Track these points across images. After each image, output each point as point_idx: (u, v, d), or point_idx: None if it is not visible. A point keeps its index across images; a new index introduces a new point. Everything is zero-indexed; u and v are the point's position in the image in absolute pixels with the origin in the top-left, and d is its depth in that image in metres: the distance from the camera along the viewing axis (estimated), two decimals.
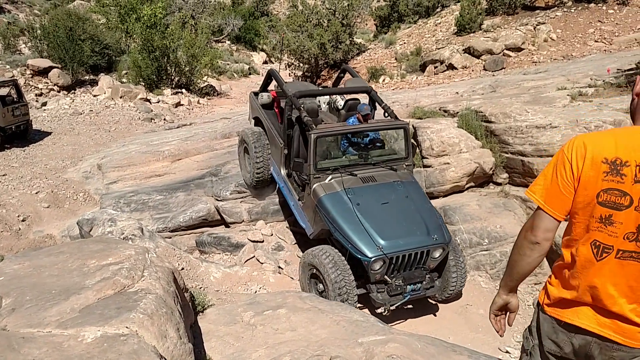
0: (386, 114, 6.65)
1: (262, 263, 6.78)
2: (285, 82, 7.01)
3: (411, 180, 6.30)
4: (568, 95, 8.55)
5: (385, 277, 5.48)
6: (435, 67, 16.38)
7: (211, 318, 4.25)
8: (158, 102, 16.98)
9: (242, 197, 7.79)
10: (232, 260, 7.06)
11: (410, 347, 3.45)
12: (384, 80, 16.82)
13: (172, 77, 19.27)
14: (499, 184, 8.09)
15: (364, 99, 7.42)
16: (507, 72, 14.06)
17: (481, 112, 8.46)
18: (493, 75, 13.71)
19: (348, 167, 6.14)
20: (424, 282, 5.70)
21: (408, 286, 5.57)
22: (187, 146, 10.09)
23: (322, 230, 5.96)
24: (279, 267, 6.82)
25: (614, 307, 1.89)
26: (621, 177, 1.77)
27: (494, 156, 7.98)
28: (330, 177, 6.02)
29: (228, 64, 26.76)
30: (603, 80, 9.30)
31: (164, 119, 15.11)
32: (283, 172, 6.80)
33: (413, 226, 5.63)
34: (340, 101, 7.62)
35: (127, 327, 2.73)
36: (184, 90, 19.07)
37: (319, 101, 7.83)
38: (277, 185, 7.29)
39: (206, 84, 20.78)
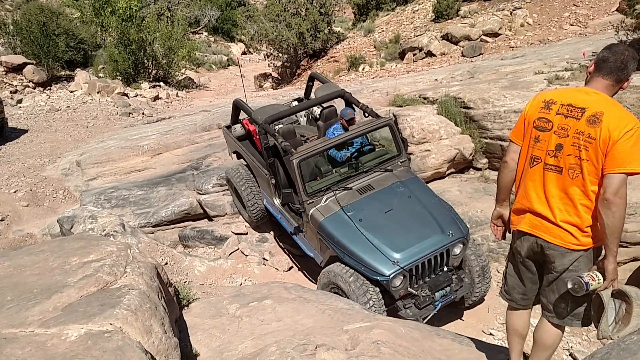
0: (366, 114, 6.23)
1: (246, 255, 6.78)
2: (253, 110, 6.60)
3: (411, 177, 5.91)
4: (545, 79, 8.65)
5: (410, 290, 5.10)
6: (414, 55, 16.41)
7: (196, 312, 4.25)
8: (136, 96, 16.76)
9: (224, 190, 7.75)
10: (216, 253, 7.05)
11: (394, 332, 3.50)
12: (363, 68, 16.81)
13: (150, 71, 19.03)
14: (479, 169, 8.19)
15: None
16: (485, 57, 14.15)
17: (460, 98, 8.53)
18: (471, 61, 13.79)
19: (341, 181, 5.75)
20: (452, 285, 5.33)
21: (436, 293, 5.18)
22: (167, 140, 10.00)
23: (331, 257, 5.50)
24: (264, 258, 6.83)
25: (539, 208, 2.48)
26: (549, 111, 2.47)
27: (473, 142, 8.06)
28: (324, 197, 5.62)
29: (206, 56, 26.49)
30: (579, 64, 9.42)
31: (143, 113, 14.93)
32: (276, 202, 6.39)
33: (425, 228, 5.21)
34: (317, 111, 7.20)
35: (111, 324, 2.73)
36: (162, 84, 18.85)
37: (296, 115, 7.50)
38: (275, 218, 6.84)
39: (184, 76, 20.56)
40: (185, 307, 4.34)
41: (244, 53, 30.84)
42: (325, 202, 5.60)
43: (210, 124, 10.50)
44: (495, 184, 7.55)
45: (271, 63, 20.77)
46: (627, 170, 2.23)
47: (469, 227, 5.57)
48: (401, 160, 6.02)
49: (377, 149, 6.47)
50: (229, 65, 26.68)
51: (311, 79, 7.73)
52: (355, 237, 5.18)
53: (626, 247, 5.94)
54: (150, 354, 2.80)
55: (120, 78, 18.26)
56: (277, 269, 6.62)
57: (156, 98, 17.03)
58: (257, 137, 6.49)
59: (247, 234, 7.23)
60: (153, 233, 7.38)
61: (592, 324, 2.47)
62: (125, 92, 16.76)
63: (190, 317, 4.14)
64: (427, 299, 5.13)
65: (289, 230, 6.36)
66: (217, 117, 10.98)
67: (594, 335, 5.44)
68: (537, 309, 2.80)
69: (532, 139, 2.52)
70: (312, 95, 7.50)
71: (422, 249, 5.04)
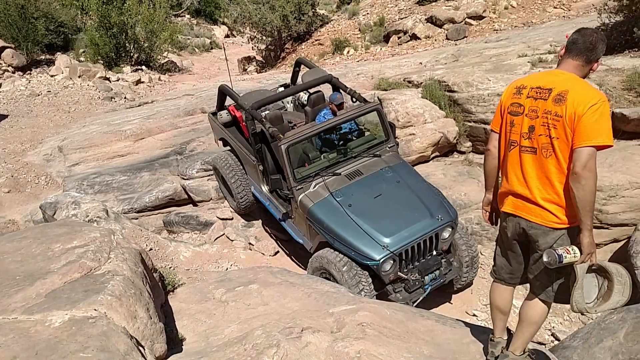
0: (354, 100, 6.20)
1: (232, 240, 6.77)
2: (240, 96, 6.52)
3: (399, 162, 5.92)
4: (528, 62, 8.68)
5: (400, 274, 5.14)
6: (398, 38, 16.34)
7: (182, 297, 4.26)
8: (118, 80, 16.51)
9: (208, 175, 7.71)
10: (201, 238, 7.03)
11: (379, 314, 3.54)
12: (348, 52, 16.71)
13: (132, 54, 18.73)
14: (463, 153, 8.23)
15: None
16: (469, 40, 14.14)
17: (444, 81, 8.53)
18: (455, 45, 13.78)
19: (330, 167, 5.74)
20: (442, 268, 5.38)
21: (426, 277, 5.23)
22: (150, 125, 9.90)
23: (321, 243, 5.52)
24: (250, 243, 6.83)
25: (520, 189, 2.57)
26: (520, 95, 2.57)
27: (457, 125, 8.09)
28: (313, 183, 5.61)
29: (189, 39, 26.09)
30: (562, 46, 9.46)
31: (125, 98, 14.73)
32: (265, 189, 6.37)
33: (414, 212, 5.25)
34: (304, 97, 7.18)
35: (95, 310, 2.72)
36: (144, 67, 18.58)
37: (283, 102, 7.42)
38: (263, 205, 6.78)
39: (167, 60, 20.27)
40: (171, 293, 4.34)
41: (227, 36, 30.44)
42: (314, 188, 5.60)
43: (194, 108, 10.41)
44: (478, 167, 7.65)
45: (255, 46, 20.53)
46: (594, 143, 2.31)
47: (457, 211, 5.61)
48: (389, 146, 6.02)
49: (366, 134, 6.45)
50: (212, 48, 26.34)
51: (298, 64, 7.63)
52: (345, 223, 5.19)
53: (607, 228, 6.04)
54: (136, 339, 2.80)
55: (102, 62, 17.97)
56: (263, 254, 6.63)
57: (138, 82, 16.80)
58: (244, 123, 6.43)
59: (232, 219, 7.22)
60: (137, 219, 7.33)
61: (572, 300, 2.51)
62: (107, 76, 16.50)
63: (176, 302, 4.15)
64: (417, 283, 5.17)
65: (277, 217, 6.32)
66: (201, 101, 10.88)
67: (576, 315, 5.56)
68: (521, 289, 2.86)
69: (508, 124, 2.62)
70: (299, 81, 7.42)
71: (411, 233, 5.07)
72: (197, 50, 25.24)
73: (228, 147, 7.21)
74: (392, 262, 5.00)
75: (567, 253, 2.39)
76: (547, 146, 2.44)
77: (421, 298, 5.22)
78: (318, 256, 5.35)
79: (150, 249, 5.81)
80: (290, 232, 6.15)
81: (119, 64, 18.12)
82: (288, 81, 8.08)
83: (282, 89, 7.57)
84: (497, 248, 2.90)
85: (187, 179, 7.76)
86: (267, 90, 7.24)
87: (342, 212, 5.28)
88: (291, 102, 7.61)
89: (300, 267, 6.46)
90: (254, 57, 20.62)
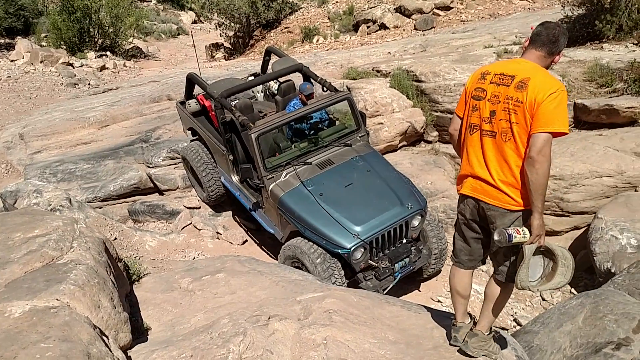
0: (324, 89, 6.22)
1: (199, 229, 6.71)
2: (209, 84, 6.40)
3: (370, 152, 5.96)
4: (494, 53, 8.82)
5: (371, 262, 5.19)
6: (367, 27, 16.36)
7: (147, 286, 4.21)
8: (81, 66, 16.09)
9: (175, 164, 7.61)
10: (167, 228, 6.94)
11: (346, 301, 3.57)
12: (317, 40, 16.66)
13: (96, 40, 18.28)
14: (430, 142, 8.34)
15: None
16: (436, 31, 14.27)
17: (412, 71, 8.60)
18: (423, 35, 13.88)
19: (301, 156, 5.72)
20: (411, 256, 5.45)
21: (396, 265, 5.29)
22: (114, 112, 9.70)
23: (292, 232, 5.52)
24: (218, 232, 6.78)
25: (480, 172, 2.64)
26: (484, 81, 2.63)
27: (424, 115, 8.17)
28: (284, 172, 5.59)
29: (155, 24, 25.58)
30: (527, 38, 9.64)
31: (89, 84, 14.38)
32: (235, 179, 6.31)
33: (384, 201, 5.32)
34: (274, 86, 7.07)
35: (57, 300, 2.67)
36: (108, 53, 18.16)
37: (252, 91, 7.31)
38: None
39: (132, 45, 19.86)
40: (136, 282, 4.28)
41: (194, 22, 29.96)
42: (285, 177, 5.58)
43: (160, 95, 10.23)
44: (444, 156, 7.77)
45: (223, 33, 20.26)
46: (551, 129, 2.38)
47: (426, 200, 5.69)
48: (360, 135, 6.04)
49: (337, 124, 6.44)
50: (179, 34, 25.88)
51: (268, 53, 7.52)
52: (316, 212, 5.21)
53: (567, 216, 6.23)
54: (99, 328, 2.76)
55: (65, 47, 17.47)
56: (231, 243, 6.59)
57: (103, 68, 16.42)
58: (213, 112, 6.33)
59: (199, 208, 7.14)
60: (101, 208, 7.20)
61: (517, 277, 2.60)
62: (70, 61, 16.07)
63: (141, 292, 4.10)
64: (387, 270, 5.22)
65: (247, 207, 6.28)
66: (167, 88, 10.70)
67: (537, 301, 5.73)
68: (484, 277, 2.93)
69: (471, 108, 2.69)
70: (269, 70, 7.34)
71: (382, 222, 5.12)
72: (163, 36, 24.77)
73: (197, 137, 7.08)
74: (362, 250, 5.05)
75: (517, 233, 2.49)
76: (506, 130, 2.51)
77: (391, 285, 5.27)
78: (290, 245, 5.35)
79: (115, 239, 5.72)
80: (260, 222, 6.11)
81: (83, 49, 17.67)
82: (257, 69, 8.00)
83: (252, 78, 7.47)
84: (456, 232, 2.97)
85: (152, 167, 7.64)
86: (237, 79, 7.13)
87: (313, 201, 5.29)
88: (261, 92, 7.51)
89: (269, 255, 6.46)
90: (222, 44, 20.36)
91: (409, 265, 5.44)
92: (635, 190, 6.02)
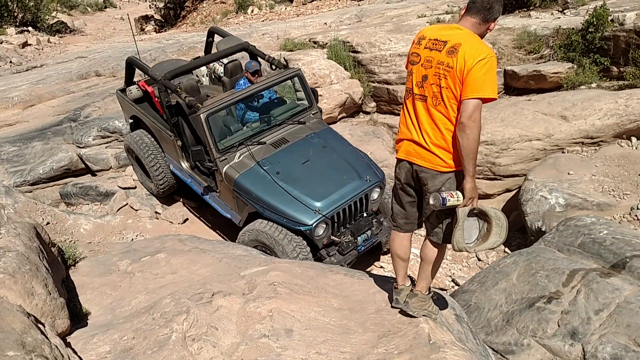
0: (273, 67, 6.07)
1: (136, 210, 6.51)
2: (150, 67, 6.10)
3: (324, 128, 5.89)
4: (427, 22, 8.94)
5: (333, 238, 5.14)
6: None
7: (84, 270, 4.08)
8: (1, 42, 15.06)
9: (107, 142, 7.33)
10: (102, 209, 6.70)
11: (290, 272, 3.59)
12: (252, 11, 16.33)
13: (15, 14, 17.11)
14: (368, 113, 8.42)
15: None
16: (371, 1, 14.29)
17: (348, 42, 8.60)
18: (358, 5, 13.88)
19: (254, 136, 5.56)
20: (373, 228, 5.44)
21: (359, 238, 5.30)
22: (40, 90, 9.20)
23: (250, 214, 5.38)
24: (156, 212, 6.61)
25: (414, 135, 2.70)
26: (419, 46, 2.68)
27: (362, 86, 8.22)
28: (238, 154, 5.43)
29: None
30: (459, 7, 9.83)
31: (10, 62, 13.51)
32: (185, 165, 6.05)
33: (342, 175, 5.27)
34: (220, 68, 6.78)
35: None
36: (30, 29, 17.06)
37: (197, 75, 6.98)
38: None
39: (56, 20, 18.76)
40: (72, 267, 4.13)
41: None
42: (239, 158, 5.42)
43: (88, 72, 9.79)
44: (383, 127, 7.87)
45: (153, 4, 19.51)
46: (480, 95, 2.44)
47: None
48: (313, 112, 5.96)
49: (289, 102, 6.31)
50: (106, 7, 24.67)
51: (211, 34, 7.18)
52: (274, 190, 5.11)
53: (499, 179, 6.49)
54: (34, 316, 2.65)
55: None
56: (171, 222, 6.45)
57: (25, 44, 15.43)
58: (157, 99, 6.07)
59: (135, 187, 6.92)
60: (31, 192, 6.90)
61: (453, 240, 2.70)
62: None
63: (78, 277, 3.96)
64: (350, 244, 5.22)
65: (200, 193, 6.08)
66: (95, 64, 10.24)
67: (474, 261, 5.98)
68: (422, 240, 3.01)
69: (409, 72, 2.72)
70: (214, 51, 7.03)
71: (342, 196, 5.10)
72: (89, 9, 23.55)
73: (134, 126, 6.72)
74: (324, 225, 5.01)
75: (451, 197, 2.58)
76: (436, 95, 2.57)
77: (354, 259, 5.30)
78: (249, 230, 5.22)
79: (47, 223, 5.48)
80: (216, 207, 5.93)
81: (2, 25, 16.51)
82: (190, 41, 7.77)
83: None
84: (393, 197, 3.04)
85: (83, 147, 7.34)
86: (180, 60, 6.80)
87: (270, 180, 5.18)
88: (206, 76, 7.17)
89: (219, 234, 6.39)
90: (152, 16, 19.60)
91: (371, 238, 5.44)
92: (563, 152, 6.34)
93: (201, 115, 5.23)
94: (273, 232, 4.99)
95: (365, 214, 5.38)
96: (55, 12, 18.80)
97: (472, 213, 2.66)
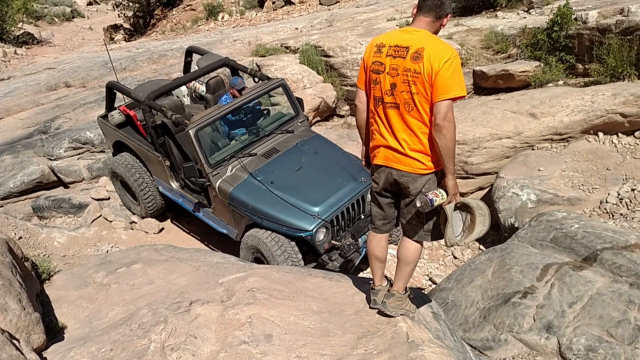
0: (256, 79, 6.10)
1: (110, 221, 6.44)
2: (131, 89, 6.07)
3: (313, 135, 5.92)
4: (397, 25, 9.06)
5: (334, 242, 5.10)
6: (273, 3, 16.22)
7: (59, 284, 4.02)
8: None
9: (78, 154, 7.24)
10: (76, 222, 6.60)
11: (269, 278, 3.59)
12: (223, 17, 16.29)
13: None
14: (342, 116, 8.49)
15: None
16: (341, 5, 14.40)
17: (320, 46, 8.66)
18: (329, 10, 13.97)
19: (244, 149, 5.55)
20: None
21: (359, 240, 5.25)
22: (8, 103, 9.06)
23: (247, 227, 5.31)
24: (132, 222, 6.54)
25: (389, 142, 2.74)
26: (380, 54, 2.69)
27: (335, 90, 8.29)
28: (230, 167, 5.39)
29: (46, 7, 23.91)
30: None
31: None
32: (175, 185, 5.98)
33: (337, 179, 5.27)
34: (201, 87, 6.75)
35: None
36: None
37: (177, 96, 6.88)
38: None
39: (23, 31, 18.44)
40: (47, 281, 4.08)
41: (89, 3, 28.27)
42: (231, 171, 5.38)
43: (57, 83, 9.66)
44: (357, 129, 7.93)
45: (122, 13, 19.30)
46: (451, 96, 2.51)
47: None
48: (300, 120, 5.96)
49: (276, 112, 6.31)
50: (73, 17, 24.35)
51: (189, 53, 7.15)
52: (271, 200, 5.07)
53: (472, 178, 6.58)
54: (8, 332, 2.61)
55: None
56: (146, 232, 6.39)
57: None
58: (139, 122, 6.00)
59: (109, 198, 6.83)
60: (2, 207, 6.80)
61: (445, 237, 2.80)
62: None
63: (53, 291, 3.91)
64: (352, 247, 5.17)
65: (192, 211, 5.99)
66: (64, 75, 10.11)
67: (450, 259, 6.05)
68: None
69: (372, 82, 2.75)
70: (195, 68, 6.94)
71: (339, 199, 5.10)
72: (56, 19, 23.22)
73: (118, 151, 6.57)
74: (324, 230, 4.98)
75: (436, 197, 2.64)
76: (408, 101, 2.60)
77: (358, 261, 5.29)
78: (250, 236, 5.16)
79: (20, 238, 5.38)
80: (212, 225, 5.83)
81: None
82: (161, 49, 7.73)
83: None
84: (371, 200, 3.09)
85: (54, 160, 7.23)
86: (162, 80, 6.74)
87: (265, 190, 5.15)
88: (187, 96, 7.12)
89: (197, 238, 6.36)
90: (122, 25, 19.39)
91: None
92: (532, 149, 6.46)
93: (190, 131, 5.18)
94: (266, 240, 4.96)
95: (363, 216, 5.36)
96: (21, 23, 18.50)
97: (455, 207, 2.74)
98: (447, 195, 2.67)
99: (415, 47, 2.56)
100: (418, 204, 2.66)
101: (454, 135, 2.56)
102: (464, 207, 2.80)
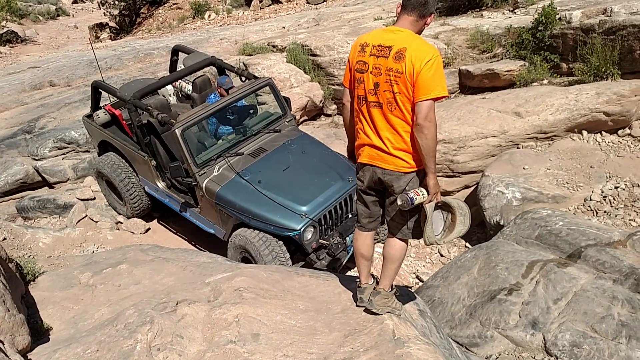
0: (243, 78, 6.06)
1: (96, 222, 6.39)
2: (117, 89, 6.02)
3: (300, 134, 5.92)
4: (384, 24, 9.07)
5: (322, 241, 5.11)
6: (260, 1, 16.18)
7: (45, 285, 4.00)
8: None
9: (63, 154, 7.17)
10: (61, 222, 6.54)
11: (256, 277, 3.59)
12: (209, 16, 16.22)
13: None
14: (329, 116, 8.50)
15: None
16: (328, 4, 14.41)
17: (307, 45, 8.66)
18: (316, 9, 13.97)
19: (230, 148, 5.52)
20: None
21: (347, 239, 5.24)
22: None
23: (234, 226, 5.29)
24: (118, 222, 6.49)
25: (373, 141, 2.76)
26: (364, 53, 2.71)
27: (322, 89, 8.30)
28: (216, 167, 5.35)
29: (30, 6, 23.64)
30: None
31: None
32: (161, 185, 5.94)
33: (324, 178, 5.28)
34: (187, 86, 6.72)
35: None
36: None
37: (163, 95, 6.81)
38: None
39: (6, 30, 18.23)
40: (32, 282, 4.05)
41: (75, 2, 27.99)
42: (218, 171, 5.35)
43: (41, 82, 9.56)
44: (344, 128, 7.95)
45: (107, 12, 19.15)
46: (432, 96, 2.53)
47: None
48: (287, 120, 5.96)
49: (264, 111, 6.28)
50: (58, 15, 24.12)
51: (175, 52, 7.09)
52: (258, 199, 5.08)
53: (458, 176, 6.63)
54: None
55: None
56: (132, 233, 6.35)
57: None
58: (125, 122, 5.96)
59: (94, 198, 6.78)
60: None
61: (424, 235, 2.81)
62: None
63: (38, 292, 3.88)
64: (340, 246, 5.17)
65: (178, 211, 5.95)
66: (49, 74, 10.00)
67: (436, 257, 6.09)
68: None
69: (356, 81, 2.77)
70: (181, 67, 6.89)
71: (326, 198, 5.10)
72: (41, 18, 22.98)
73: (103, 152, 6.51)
74: (312, 229, 4.99)
75: (417, 195, 2.67)
76: (391, 101, 2.63)
77: (345, 259, 5.30)
78: (238, 235, 5.15)
79: (4, 239, 5.34)
80: (199, 224, 5.81)
81: None
82: (147, 47, 7.68)
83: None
84: (357, 199, 3.12)
85: (39, 160, 7.16)
86: (148, 79, 6.68)
87: (252, 189, 5.13)
88: (173, 95, 7.06)
89: (183, 238, 6.33)
90: (107, 24, 19.24)
91: None
92: (518, 148, 6.52)
93: (176, 131, 5.15)
94: (253, 239, 4.95)
95: (350, 215, 5.36)
96: (4, 22, 18.27)
97: (436, 206, 2.76)
98: (428, 194, 2.69)
99: (397, 47, 2.58)
100: (399, 202, 2.69)
101: (435, 134, 2.59)
102: (445, 207, 2.83)
